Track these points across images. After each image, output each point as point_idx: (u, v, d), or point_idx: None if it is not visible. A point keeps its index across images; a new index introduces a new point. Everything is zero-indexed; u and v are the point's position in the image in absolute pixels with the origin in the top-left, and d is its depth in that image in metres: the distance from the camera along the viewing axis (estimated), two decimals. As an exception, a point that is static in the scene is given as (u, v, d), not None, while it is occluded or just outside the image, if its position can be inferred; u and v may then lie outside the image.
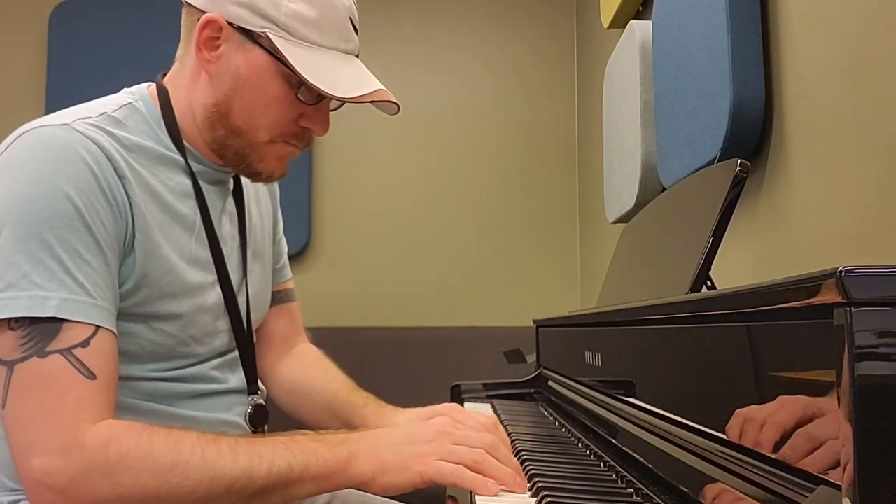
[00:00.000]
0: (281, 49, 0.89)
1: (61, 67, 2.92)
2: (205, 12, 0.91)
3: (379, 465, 0.81)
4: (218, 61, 0.92)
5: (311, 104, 0.94)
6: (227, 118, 0.93)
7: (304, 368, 1.19)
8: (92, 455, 0.76)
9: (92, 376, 0.79)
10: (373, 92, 0.93)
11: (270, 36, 0.89)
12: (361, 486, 0.83)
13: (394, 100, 0.95)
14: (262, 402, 1.04)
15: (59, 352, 0.78)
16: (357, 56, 0.97)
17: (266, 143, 0.94)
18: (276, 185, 1.19)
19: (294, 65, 0.88)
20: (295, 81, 0.91)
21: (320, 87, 0.88)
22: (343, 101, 0.94)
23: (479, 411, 0.92)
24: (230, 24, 0.90)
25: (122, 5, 2.92)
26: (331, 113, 0.98)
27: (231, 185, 1.04)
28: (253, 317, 1.05)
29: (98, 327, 0.80)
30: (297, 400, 1.16)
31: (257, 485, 0.79)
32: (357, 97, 0.91)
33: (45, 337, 0.78)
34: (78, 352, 0.78)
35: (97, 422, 0.78)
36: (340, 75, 0.91)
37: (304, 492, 0.82)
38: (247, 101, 0.92)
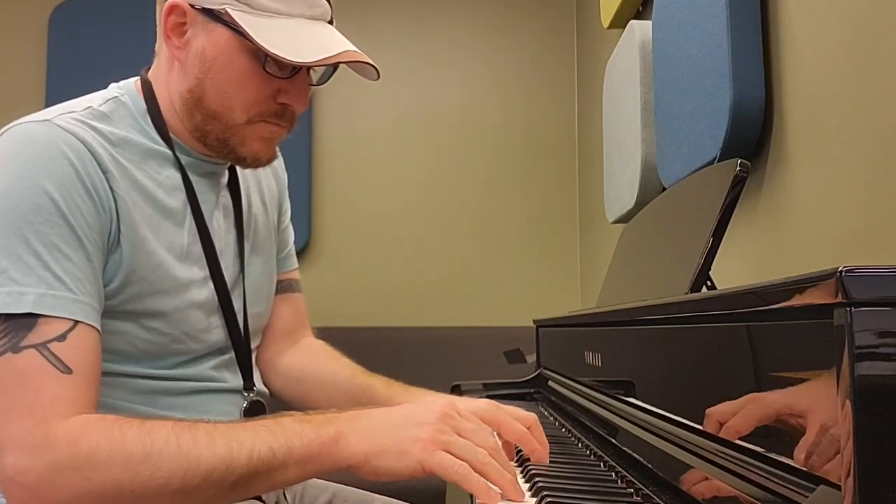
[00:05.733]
0: (240, 22, 0.86)
1: (61, 67, 2.92)
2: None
3: (372, 446, 0.74)
4: (187, 46, 0.90)
5: (285, 78, 0.91)
6: (202, 103, 0.91)
7: (313, 358, 1.15)
8: (62, 451, 0.73)
9: (67, 371, 0.76)
10: (340, 53, 0.88)
11: (230, 11, 0.87)
12: (352, 469, 0.75)
13: (367, 60, 0.91)
14: (259, 399, 1.01)
15: (34, 346, 0.76)
16: (331, 23, 0.93)
17: (244, 124, 0.91)
18: (283, 172, 1.16)
19: (253, 35, 0.86)
20: (261, 55, 0.88)
21: (280, 54, 0.86)
22: (310, 66, 0.90)
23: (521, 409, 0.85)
24: (193, 6, 0.89)
25: (122, 5, 2.92)
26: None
27: (225, 178, 1.02)
28: (253, 311, 1.03)
29: (77, 322, 0.78)
30: (308, 388, 1.12)
31: (237, 473, 0.74)
32: (321, 60, 0.88)
33: (21, 332, 0.76)
34: (53, 346, 0.77)
35: (71, 417, 0.75)
36: (304, 41, 0.88)
37: (290, 477, 0.77)
38: (217, 83, 0.90)
